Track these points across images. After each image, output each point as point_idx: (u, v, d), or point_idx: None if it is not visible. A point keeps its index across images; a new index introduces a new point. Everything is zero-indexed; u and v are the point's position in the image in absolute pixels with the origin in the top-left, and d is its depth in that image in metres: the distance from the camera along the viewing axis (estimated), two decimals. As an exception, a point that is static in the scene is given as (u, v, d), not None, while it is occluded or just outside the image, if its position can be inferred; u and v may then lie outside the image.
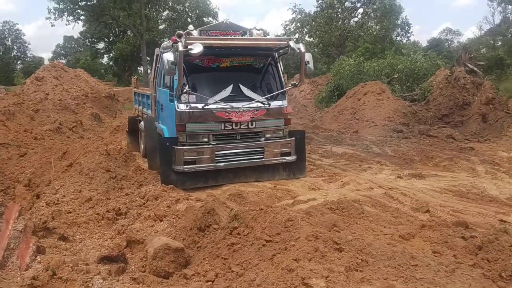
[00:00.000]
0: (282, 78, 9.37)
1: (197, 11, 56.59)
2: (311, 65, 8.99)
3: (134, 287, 4.31)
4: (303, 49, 8.81)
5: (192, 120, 8.42)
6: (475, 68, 18.25)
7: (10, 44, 71.65)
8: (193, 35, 8.30)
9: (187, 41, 7.89)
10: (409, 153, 11.94)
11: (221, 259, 4.52)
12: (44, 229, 5.51)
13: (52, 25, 55.11)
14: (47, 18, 46.86)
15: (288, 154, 9.18)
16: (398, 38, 49.91)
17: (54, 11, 46.35)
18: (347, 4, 45.53)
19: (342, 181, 8.88)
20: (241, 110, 8.58)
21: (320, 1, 45.02)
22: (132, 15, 49.14)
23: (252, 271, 4.14)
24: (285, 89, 9.34)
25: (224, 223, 5.17)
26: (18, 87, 29.09)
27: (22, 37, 73.00)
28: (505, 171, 9.72)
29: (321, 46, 45.64)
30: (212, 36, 8.69)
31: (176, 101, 8.39)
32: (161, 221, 5.95)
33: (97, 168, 8.19)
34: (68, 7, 47.07)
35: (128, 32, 55.94)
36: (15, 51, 72.47)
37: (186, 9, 57.34)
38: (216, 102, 8.50)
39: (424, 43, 65.85)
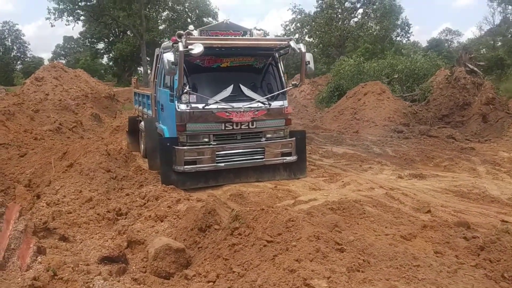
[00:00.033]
0: (283, 78, 9.36)
1: (197, 11, 56.62)
2: (311, 65, 8.99)
3: (135, 287, 4.29)
4: (303, 49, 8.79)
5: (192, 120, 8.40)
6: (475, 68, 18.24)
7: (10, 44, 71.71)
8: (194, 35, 8.29)
9: (188, 41, 7.88)
10: (410, 153, 11.93)
11: (222, 260, 4.50)
12: (45, 229, 5.51)
13: (52, 26, 55.28)
14: (47, 19, 46.97)
15: (289, 154, 9.17)
16: (398, 38, 49.95)
17: (54, 12, 46.41)
18: (347, 4, 45.52)
19: (343, 181, 8.86)
20: (242, 110, 8.56)
21: (320, 2, 45.02)
22: (132, 16, 49.15)
23: (253, 271, 4.12)
24: (285, 89, 9.32)
25: (225, 224, 5.15)
26: (18, 87, 29.10)
27: (22, 37, 73.14)
28: (506, 172, 9.71)
29: (321, 47, 45.62)
30: (212, 36, 8.68)
31: (176, 101, 8.37)
32: (161, 221, 5.94)
33: (97, 169, 8.18)
34: (68, 8, 47.08)
35: (128, 32, 55.96)
36: (15, 52, 72.52)
37: (186, 10, 57.37)
38: (216, 102, 8.49)
39: (424, 44, 66.00)
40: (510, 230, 4.65)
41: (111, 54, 60.75)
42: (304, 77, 9.47)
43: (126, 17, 49.28)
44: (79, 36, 66.89)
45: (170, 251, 4.66)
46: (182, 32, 8.08)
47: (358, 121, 17.77)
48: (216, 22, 14.21)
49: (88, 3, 49.73)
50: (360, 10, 46.30)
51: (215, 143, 8.60)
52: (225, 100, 8.55)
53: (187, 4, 56.75)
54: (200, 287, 4.17)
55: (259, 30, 9.23)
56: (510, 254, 4.28)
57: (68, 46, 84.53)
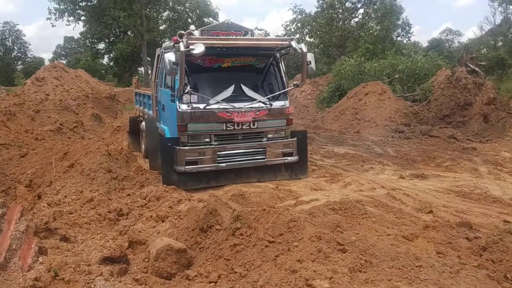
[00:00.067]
0: (284, 78, 9.34)
1: (198, 11, 56.60)
2: (313, 65, 8.98)
3: (137, 288, 4.29)
4: (305, 49, 8.78)
5: (193, 120, 8.38)
6: (476, 68, 18.23)
7: (11, 44, 71.87)
8: (195, 35, 8.27)
9: (189, 41, 7.88)
10: (411, 153, 11.91)
11: (224, 260, 4.49)
12: (46, 230, 5.50)
13: (52, 26, 55.07)
14: (48, 19, 46.86)
15: (290, 154, 9.15)
16: (399, 38, 49.89)
17: (54, 12, 46.33)
18: (348, 4, 45.51)
19: (344, 182, 8.85)
20: (243, 110, 8.54)
21: (320, 2, 45.02)
22: (132, 16, 49.13)
23: (255, 272, 4.11)
24: (287, 89, 9.31)
25: (227, 224, 5.14)
26: (18, 87, 29.13)
27: (22, 37, 73.29)
28: (508, 172, 9.68)
29: (321, 47, 45.62)
30: (213, 36, 8.66)
31: (177, 101, 8.36)
32: (163, 221, 5.93)
33: (98, 169, 8.17)
34: (69, 8, 47.03)
35: (129, 32, 55.96)
36: (15, 52, 72.68)
37: (187, 10, 57.38)
38: (217, 102, 8.47)
39: (424, 44, 65.89)
40: (513, 231, 4.64)
41: (111, 54, 60.75)
42: (306, 77, 9.46)
43: (126, 17, 49.27)
44: (79, 36, 67.01)
45: (171, 252, 4.66)
46: (183, 32, 8.08)
47: (359, 121, 17.75)
48: (217, 22, 14.18)
49: (89, 3, 49.69)
50: (361, 10, 46.37)
51: (216, 143, 8.58)
52: (226, 100, 8.53)
53: (188, 4, 56.76)
54: (201, 288, 4.16)
55: (260, 30, 9.21)
56: (512, 255, 4.27)
57: (69, 46, 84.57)
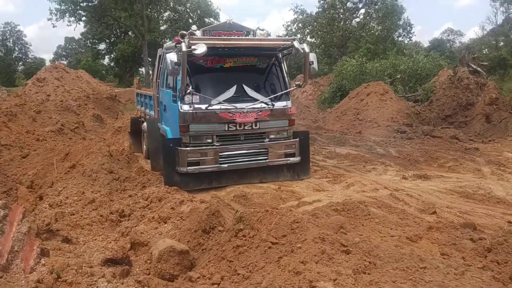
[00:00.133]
0: (286, 78, 9.32)
1: (199, 11, 56.66)
2: (315, 65, 8.95)
3: (139, 290, 4.27)
4: (307, 50, 8.74)
5: (195, 121, 8.36)
6: (478, 69, 18.21)
7: (12, 45, 72.05)
8: (197, 35, 8.24)
9: (191, 42, 7.84)
10: (414, 154, 11.88)
11: (227, 262, 4.46)
12: (48, 231, 5.48)
13: (53, 26, 55.29)
14: (49, 19, 46.96)
15: (292, 155, 9.12)
16: (400, 38, 49.85)
17: (55, 12, 46.41)
18: (349, 4, 45.56)
19: (346, 182, 8.82)
20: (245, 110, 8.52)
21: (321, 2, 45.01)
22: (133, 16, 49.16)
23: (258, 273, 4.08)
24: (289, 89, 9.28)
25: (229, 225, 5.11)
26: (19, 88, 29.15)
27: (23, 38, 73.45)
28: (511, 172, 9.65)
29: (323, 47, 45.61)
30: (215, 36, 8.63)
31: (179, 102, 8.34)
32: (165, 223, 5.91)
33: (99, 170, 8.14)
34: (70, 8, 47.10)
35: (130, 33, 56.03)
36: (16, 53, 72.87)
37: (188, 10, 57.44)
38: (219, 103, 8.45)
39: (425, 44, 65.92)
40: (517, 232, 4.60)
41: (112, 55, 60.84)
42: (308, 77, 9.42)
43: (127, 18, 49.32)
44: (80, 37, 67.17)
45: (174, 253, 4.63)
46: (185, 32, 8.05)
47: (361, 122, 17.73)
48: (218, 23, 14.16)
49: (90, 4, 49.77)
50: (362, 10, 46.41)
51: (218, 144, 8.55)
52: (228, 100, 8.50)
53: (189, 5, 56.82)
54: (204, 290, 4.13)
55: (262, 30, 9.18)
56: (517, 256, 4.23)
57: (70, 47, 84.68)
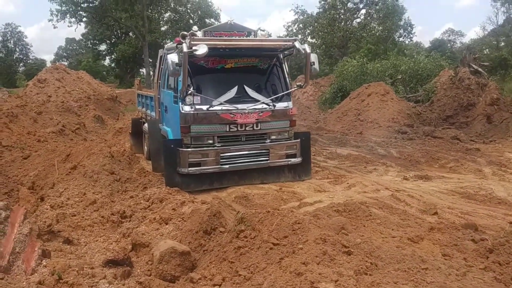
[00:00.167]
0: (287, 79, 9.31)
1: (199, 12, 56.74)
2: (316, 66, 8.93)
3: (140, 291, 4.26)
4: (308, 50, 8.73)
5: (196, 122, 8.35)
6: (479, 69, 18.19)
7: (12, 46, 72.12)
8: (198, 36, 8.24)
9: (192, 42, 7.84)
10: (415, 154, 11.87)
11: (228, 263, 4.45)
12: (49, 232, 5.48)
13: (54, 27, 55.46)
14: (50, 20, 47.12)
15: (294, 156, 9.11)
16: (401, 39, 49.84)
17: (56, 13, 46.55)
18: (350, 5, 45.52)
19: (348, 183, 8.81)
20: (246, 111, 8.51)
21: (322, 2, 45.02)
22: (134, 17, 49.19)
23: (259, 274, 4.08)
24: (290, 90, 9.27)
25: (231, 226, 5.10)
26: (20, 89, 29.16)
27: (24, 39, 73.52)
28: (512, 173, 9.65)
29: (323, 47, 45.57)
30: (216, 37, 8.62)
31: (180, 103, 8.33)
32: (166, 224, 5.90)
33: (101, 171, 8.14)
34: (70, 9, 47.20)
35: (130, 33, 56.07)
36: (17, 53, 72.94)
37: (188, 11, 57.50)
38: (221, 104, 8.44)
39: (426, 44, 65.85)
40: (519, 233, 4.59)
41: (113, 56, 60.88)
42: (309, 78, 9.41)
43: (128, 19, 49.34)
44: (81, 37, 67.22)
45: (175, 254, 4.62)
46: (186, 33, 8.05)
47: (362, 122, 17.73)
48: (218, 23, 14.16)
49: (91, 5, 49.85)
50: (363, 11, 46.38)
51: (219, 145, 8.55)
52: (230, 101, 8.49)
53: (189, 5, 56.86)
54: (205, 291, 4.13)
55: (263, 30, 9.17)
56: (520, 257, 4.22)
57: (70, 47, 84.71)
